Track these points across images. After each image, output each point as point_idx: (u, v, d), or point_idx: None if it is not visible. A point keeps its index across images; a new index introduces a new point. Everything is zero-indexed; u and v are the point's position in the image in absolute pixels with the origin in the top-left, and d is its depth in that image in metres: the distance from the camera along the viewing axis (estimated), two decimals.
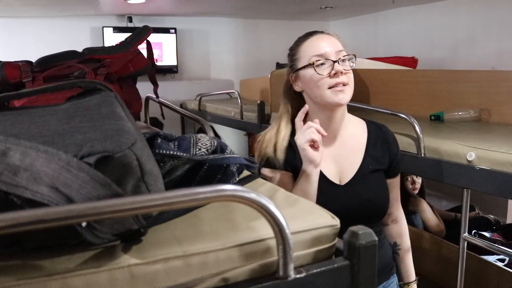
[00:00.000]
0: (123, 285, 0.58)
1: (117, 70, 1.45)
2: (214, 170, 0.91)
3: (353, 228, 0.72)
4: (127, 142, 0.64)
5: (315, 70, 1.34)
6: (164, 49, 5.02)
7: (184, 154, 0.86)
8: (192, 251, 0.62)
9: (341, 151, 1.44)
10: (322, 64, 1.35)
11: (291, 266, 0.65)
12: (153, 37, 2.05)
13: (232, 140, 5.40)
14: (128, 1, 4.14)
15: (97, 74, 1.35)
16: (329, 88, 1.34)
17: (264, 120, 3.08)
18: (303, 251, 0.70)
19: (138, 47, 1.75)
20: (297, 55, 1.43)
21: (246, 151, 5.46)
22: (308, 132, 1.30)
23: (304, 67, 1.38)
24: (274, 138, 1.45)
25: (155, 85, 1.91)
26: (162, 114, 2.13)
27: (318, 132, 1.31)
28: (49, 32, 4.97)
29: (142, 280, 0.59)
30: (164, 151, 0.83)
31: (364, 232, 0.71)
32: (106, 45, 4.84)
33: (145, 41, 1.85)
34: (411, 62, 3.89)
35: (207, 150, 0.92)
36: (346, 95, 1.36)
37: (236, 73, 5.59)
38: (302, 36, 1.44)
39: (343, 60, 1.36)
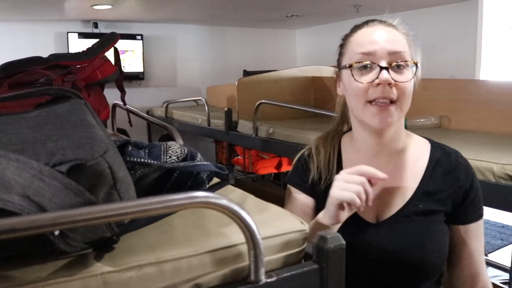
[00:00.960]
0: None
1: (85, 77, 1.44)
2: (184, 177, 0.92)
3: (321, 232, 0.74)
4: (99, 150, 0.65)
5: (351, 74, 1.02)
6: (130, 56, 4.98)
7: (155, 162, 0.87)
8: (165, 258, 0.63)
9: (385, 183, 1.05)
10: (365, 67, 1.01)
11: (262, 271, 0.67)
12: (119, 44, 2.03)
13: (199, 147, 5.38)
14: (94, 7, 4.09)
15: (65, 81, 1.34)
16: (369, 102, 1.01)
17: (231, 127, 3.10)
18: (273, 255, 0.72)
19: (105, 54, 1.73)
20: (344, 48, 1.11)
21: (213, 159, 5.45)
22: (348, 188, 0.93)
23: (346, 66, 1.06)
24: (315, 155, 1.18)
25: (123, 92, 1.90)
26: (130, 122, 2.12)
27: (370, 181, 0.94)
28: (11, 37, 4.84)
29: None
30: (135, 159, 0.83)
31: (332, 236, 0.73)
32: (71, 51, 4.76)
33: (112, 48, 1.84)
34: None
35: (178, 157, 0.93)
36: (390, 116, 1.00)
37: (203, 80, 5.59)
38: (356, 25, 1.12)
39: (398, 67, 1.00)
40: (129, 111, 1.90)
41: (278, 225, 0.76)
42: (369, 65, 1.01)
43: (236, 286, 0.66)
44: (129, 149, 0.85)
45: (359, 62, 1.01)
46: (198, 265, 0.65)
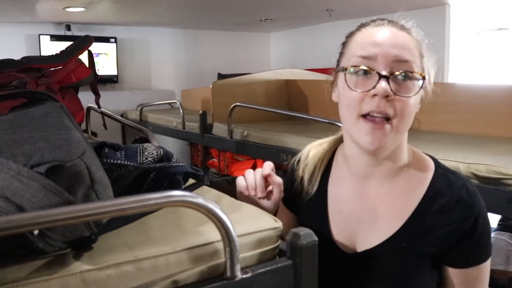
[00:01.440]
0: None
1: (59, 80, 1.43)
2: (160, 178, 0.93)
3: (295, 229, 0.77)
4: (77, 151, 0.66)
5: (345, 80, 0.86)
6: (104, 59, 4.93)
7: (131, 163, 0.88)
8: (143, 256, 0.65)
9: (375, 207, 0.93)
10: (364, 73, 0.84)
11: (238, 267, 0.69)
12: (93, 47, 2.02)
13: (174, 150, 5.36)
14: (67, 9, 4.04)
15: (39, 84, 1.33)
16: (361, 116, 0.85)
17: (206, 130, 3.11)
18: (248, 252, 0.74)
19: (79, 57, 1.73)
20: (345, 47, 0.94)
21: (188, 161, 5.44)
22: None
23: (340, 70, 0.90)
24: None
25: (97, 95, 1.89)
26: (104, 124, 2.11)
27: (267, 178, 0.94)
28: None
29: (94, 286, 0.60)
30: (112, 160, 0.84)
31: (305, 233, 0.76)
32: (43, 53, 4.68)
33: (86, 51, 1.84)
34: None
35: (154, 159, 0.95)
36: (384, 137, 0.84)
37: (177, 83, 5.58)
38: (363, 22, 0.94)
39: (402, 78, 0.83)
40: (104, 114, 1.89)
41: (253, 223, 0.79)
42: (367, 72, 0.84)
43: (213, 282, 0.68)
44: (106, 150, 0.87)
45: (355, 66, 0.85)
46: (175, 263, 0.67)
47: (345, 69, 0.87)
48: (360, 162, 0.93)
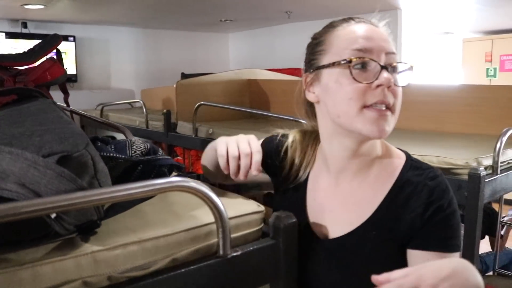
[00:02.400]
0: (87, 269, 0.65)
1: (35, 78, 1.45)
2: (148, 170, 0.99)
3: (277, 212, 0.86)
4: (82, 143, 0.72)
5: (350, 72, 0.85)
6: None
7: (123, 156, 0.94)
8: (146, 237, 0.72)
9: (345, 200, 0.97)
10: (363, 65, 0.86)
11: (229, 246, 0.77)
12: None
13: None
14: (25, 6, 3.95)
15: (16, 82, 1.35)
16: (365, 107, 0.86)
17: (170, 129, 3.15)
18: (237, 233, 0.82)
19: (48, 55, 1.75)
20: (323, 45, 0.93)
21: None
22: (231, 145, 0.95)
23: (333, 64, 0.88)
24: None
25: (66, 93, 1.91)
26: None
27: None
28: None
29: (105, 264, 0.67)
30: (106, 154, 0.90)
31: (285, 215, 0.85)
32: None
33: (55, 50, 1.85)
34: None
35: (142, 152, 1.01)
36: (388, 124, 0.87)
37: (137, 83, 5.55)
38: (335, 21, 0.95)
39: (394, 69, 0.87)
40: (73, 112, 1.91)
41: (239, 207, 0.87)
42: (367, 64, 0.85)
43: (208, 260, 0.75)
44: (99, 144, 0.92)
45: (359, 58, 0.85)
46: (174, 243, 0.74)
47: (349, 61, 0.86)
48: (338, 157, 0.96)
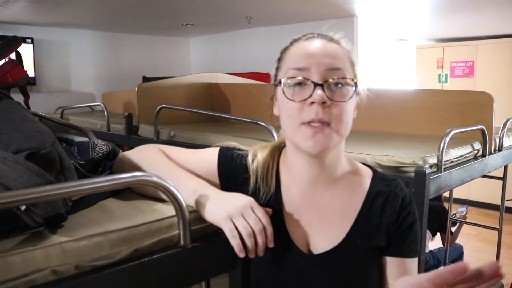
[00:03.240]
0: (56, 259, 0.69)
1: None
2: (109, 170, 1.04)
3: None
4: (49, 141, 0.76)
5: (283, 92, 0.92)
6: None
7: (84, 162, 0.98)
8: (111, 229, 0.76)
9: (322, 212, 0.99)
10: (298, 84, 0.90)
11: (189, 237, 0.83)
12: None
13: None
14: None
15: None
16: (303, 124, 0.90)
17: (132, 132, 3.16)
18: (197, 226, 0.87)
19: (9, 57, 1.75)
20: (280, 62, 0.99)
21: None
22: (240, 224, 0.85)
23: (278, 83, 0.96)
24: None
25: (26, 96, 1.92)
26: None
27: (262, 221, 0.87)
28: None
29: (72, 254, 0.71)
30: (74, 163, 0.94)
31: None
32: None
33: (14, 52, 1.86)
34: (265, 77, 4.29)
35: (103, 154, 1.05)
36: (325, 139, 0.89)
37: (97, 86, 5.49)
38: (299, 36, 1.00)
39: (336, 85, 0.90)
40: (35, 114, 1.91)
41: None
42: (302, 82, 0.90)
43: (169, 250, 0.81)
44: (64, 145, 0.96)
45: (291, 78, 0.91)
46: (137, 235, 0.79)
47: (281, 83, 0.92)
48: (303, 169, 0.98)
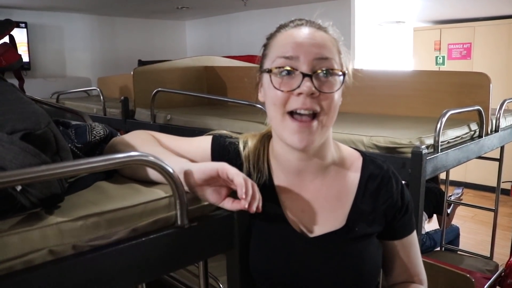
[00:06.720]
0: (53, 239, 0.69)
1: None
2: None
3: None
4: (44, 121, 0.76)
5: (270, 80, 0.90)
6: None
7: (81, 146, 0.98)
8: (107, 209, 0.76)
9: (314, 199, 0.99)
10: (287, 73, 0.89)
11: (186, 217, 0.83)
12: None
13: None
14: None
15: None
16: (288, 113, 0.89)
17: (128, 116, 3.15)
18: (194, 206, 0.87)
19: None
20: (267, 48, 0.97)
21: None
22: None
23: (264, 71, 0.94)
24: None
25: (21, 80, 1.90)
26: None
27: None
28: None
29: (69, 234, 0.71)
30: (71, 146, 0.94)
31: None
32: None
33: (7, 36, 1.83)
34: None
35: (100, 137, 1.05)
36: (311, 134, 0.89)
37: (93, 71, 5.46)
38: (287, 22, 0.97)
39: (324, 75, 0.88)
40: (30, 98, 1.90)
41: None
42: (291, 72, 0.88)
43: (166, 230, 0.81)
44: (61, 129, 0.96)
45: (279, 68, 0.89)
46: (134, 215, 0.79)
47: (269, 71, 0.90)
48: (290, 159, 0.97)
